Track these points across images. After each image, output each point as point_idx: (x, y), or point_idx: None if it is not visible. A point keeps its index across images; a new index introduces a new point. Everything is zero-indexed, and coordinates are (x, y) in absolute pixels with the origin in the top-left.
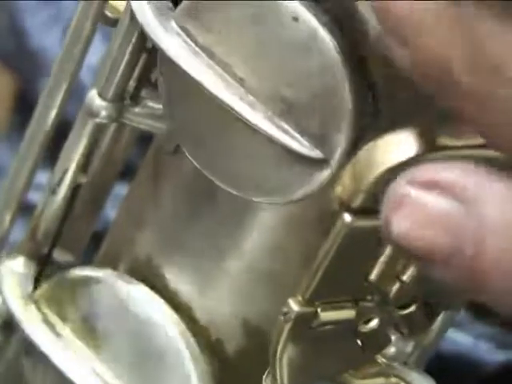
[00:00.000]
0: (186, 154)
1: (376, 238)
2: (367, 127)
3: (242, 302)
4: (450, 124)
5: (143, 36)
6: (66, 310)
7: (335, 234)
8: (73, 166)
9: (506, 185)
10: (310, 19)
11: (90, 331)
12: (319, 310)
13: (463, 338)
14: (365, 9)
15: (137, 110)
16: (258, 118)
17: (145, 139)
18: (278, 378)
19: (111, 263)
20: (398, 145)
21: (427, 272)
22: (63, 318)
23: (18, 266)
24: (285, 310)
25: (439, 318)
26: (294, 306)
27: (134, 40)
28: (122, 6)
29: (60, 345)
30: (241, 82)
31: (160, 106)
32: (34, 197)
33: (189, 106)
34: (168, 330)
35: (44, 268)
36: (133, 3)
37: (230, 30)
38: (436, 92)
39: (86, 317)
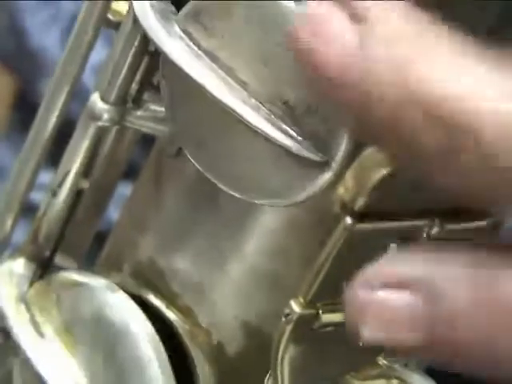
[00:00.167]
0: (188, 156)
1: (377, 240)
2: None
3: (243, 305)
4: None
5: (145, 39)
6: (51, 310)
7: (337, 236)
8: (74, 169)
9: (461, 259)
10: None
11: (69, 334)
12: (320, 311)
13: None
14: None
15: (139, 113)
16: (260, 121)
17: (148, 140)
18: (279, 379)
19: (114, 265)
20: None
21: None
22: (48, 319)
23: (18, 267)
24: (286, 311)
25: None
26: (296, 307)
27: (136, 43)
28: (124, 9)
29: (41, 344)
30: (243, 85)
31: (162, 109)
32: (37, 197)
33: (191, 108)
34: (141, 340)
35: (46, 271)
36: (135, 6)
37: (232, 33)
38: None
39: (67, 319)
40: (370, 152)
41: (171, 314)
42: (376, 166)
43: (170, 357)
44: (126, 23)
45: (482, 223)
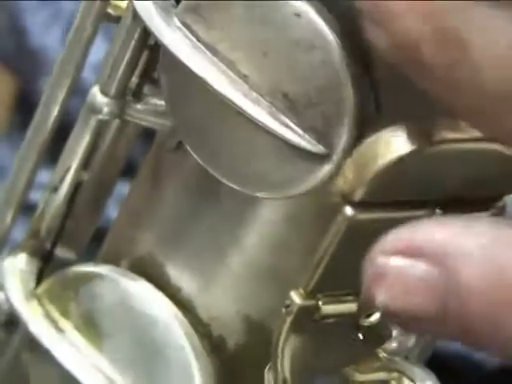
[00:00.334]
0: (189, 149)
1: (377, 231)
2: (368, 122)
3: (243, 298)
4: (449, 118)
5: (145, 33)
6: (68, 306)
7: (337, 227)
8: (75, 164)
9: (481, 235)
10: (312, 15)
11: (92, 327)
12: (321, 302)
13: None
14: None
15: (139, 106)
16: (261, 113)
17: (147, 136)
18: (280, 371)
19: (113, 261)
20: (399, 139)
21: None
22: (65, 315)
23: (21, 262)
24: (287, 302)
25: None
26: (296, 298)
27: (136, 37)
28: (124, 3)
29: (63, 340)
30: (244, 78)
31: (162, 103)
32: (35, 196)
33: (191, 101)
34: (171, 327)
35: (46, 265)
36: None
37: (232, 26)
38: (410, 74)
39: (88, 313)
40: (369, 143)
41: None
42: (375, 157)
43: None
44: (126, 17)
45: (483, 214)
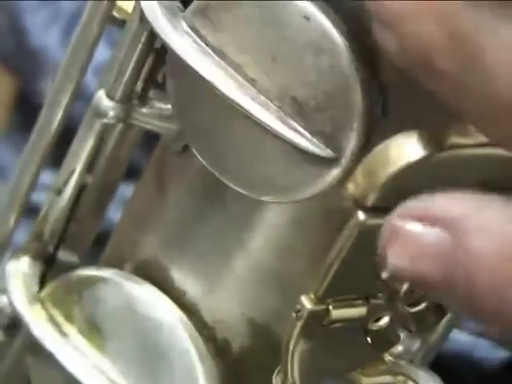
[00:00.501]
0: (196, 153)
1: None
2: (377, 127)
3: (248, 301)
4: (459, 123)
5: (152, 36)
6: (72, 310)
7: (348, 232)
8: (79, 167)
9: (497, 212)
10: (321, 18)
11: (95, 331)
12: (331, 307)
13: (463, 336)
14: None
15: (144, 110)
16: (269, 117)
17: (150, 140)
18: (290, 375)
19: (116, 264)
20: (411, 144)
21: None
22: (69, 318)
23: (24, 266)
24: (297, 307)
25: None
26: (307, 303)
27: (142, 40)
28: (129, 6)
29: (66, 344)
30: (252, 82)
31: (167, 107)
32: (38, 198)
33: (198, 105)
34: (175, 330)
35: (49, 268)
36: (142, 3)
37: (240, 30)
38: (420, 77)
39: (91, 316)
40: (380, 148)
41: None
42: (387, 163)
43: None
44: (133, 20)
45: None
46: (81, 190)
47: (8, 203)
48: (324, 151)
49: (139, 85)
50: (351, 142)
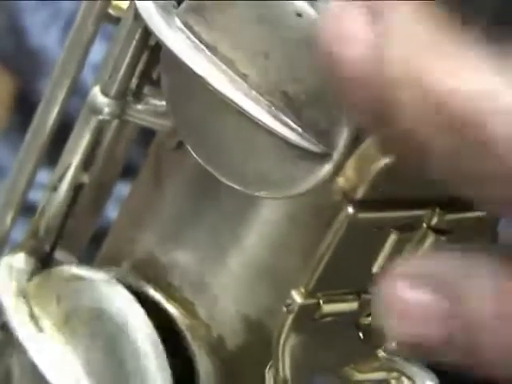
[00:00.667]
0: (189, 149)
1: (378, 230)
2: None
3: (243, 298)
4: None
5: (146, 33)
6: (49, 304)
7: (338, 225)
8: (75, 163)
9: (496, 280)
10: (313, 15)
11: (68, 327)
12: (322, 301)
13: None
14: None
15: (139, 107)
16: (261, 112)
17: (146, 137)
18: (281, 369)
19: (113, 261)
20: None
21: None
22: (47, 313)
23: (18, 261)
24: (288, 301)
25: None
26: (297, 297)
27: (137, 37)
28: (125, 4)
29: (39, 338)
30: (244, 77)
31: (162, 103)
32: (35, 197)
33: (192, 101)
34: (138, 333)
35: (46, 266)
36: (137, 0)
37: (233, 26)
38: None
39: (66, 313)
40: (370, 142)
41: (171, 308)
42: (377, 157)
43: (171, 350)
44: (127, 17)
45: (483, 213)
46: (78, 188)
47: (5, 202)
48: (316, 146)
49: (134, 81)
50: (343, 137)
